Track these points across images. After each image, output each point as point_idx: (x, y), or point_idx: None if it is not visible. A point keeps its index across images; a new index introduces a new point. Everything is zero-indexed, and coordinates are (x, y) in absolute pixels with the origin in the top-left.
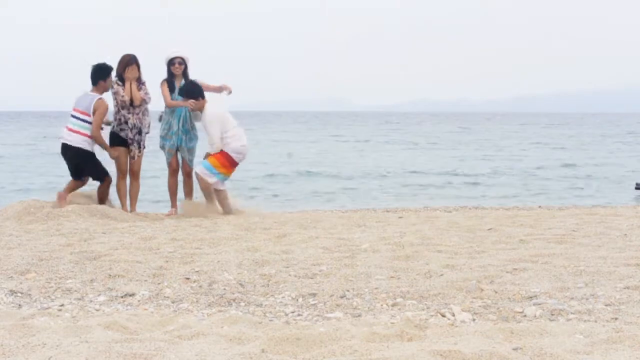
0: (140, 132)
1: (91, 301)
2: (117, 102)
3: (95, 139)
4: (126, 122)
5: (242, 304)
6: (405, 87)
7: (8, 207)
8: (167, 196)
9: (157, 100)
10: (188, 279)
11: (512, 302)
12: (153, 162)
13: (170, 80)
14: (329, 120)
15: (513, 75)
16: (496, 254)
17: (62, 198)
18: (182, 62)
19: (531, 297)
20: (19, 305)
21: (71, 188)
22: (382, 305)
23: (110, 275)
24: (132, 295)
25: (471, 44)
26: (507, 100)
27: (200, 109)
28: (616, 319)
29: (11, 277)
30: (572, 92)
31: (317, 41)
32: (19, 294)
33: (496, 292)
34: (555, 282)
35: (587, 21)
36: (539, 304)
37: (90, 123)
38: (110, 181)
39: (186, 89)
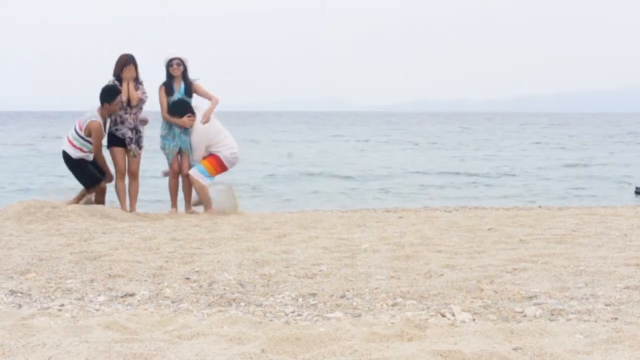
0: (137, 131)
1: (91, 301)
2: None
3: (98, 160)
4: (122, 122)
5: (242, 304)
6: (405, 87)
7: (8, 207)
8: (168, 196)
9: (155, 100)
10: (188, 279)
11: (512, 302)
12: (153, 162)
13: (168, 83)
14: (329, 120)
15: (513, 75)
16: (496, 254)
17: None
18: (181, 63)
19: (531, 297)
20: (19, 305)
21: (82, 195)
22: (382, 305)
23: (110, 275)
24: (132, 295)
25: (471, 44)
26: (507, 100)
27: (190, 125)
28: (616, 319)
29: (11, 277)
30: (572, 92)
31: (317, 41)
32: (19, 294)
33: (496, 292)
34: (555, 282)
35: (587, 21)
36: (539, 304)
37: (81, 137)
38: (101, 189)
39: (178, 107)
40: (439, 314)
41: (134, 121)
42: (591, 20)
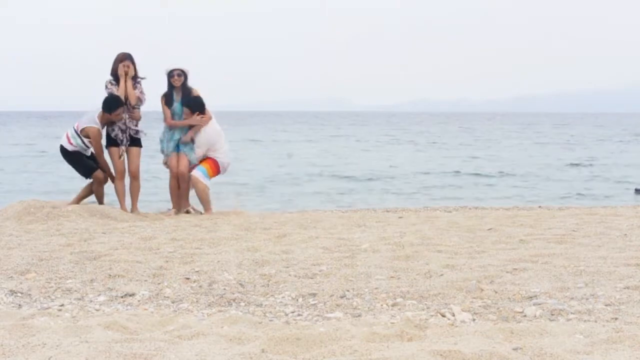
0: (135, 131)
1: (91, 301)
2: None
3: (100, 163)
4: (116, 122)
5: (242, 304)
6: (405, 87)
7: (8, 207)
8: (168, 196)
9: (153, 100)
10: (188, 279)
11: (512, 302)
12: (154, 163)
13: (169, 93)
14: (329, 120)
15: (513, 75)
16: (496, 254)
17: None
18: (181, 74)
19: (531, 297)
20: (19, 305)
21: (83, 195)
22: (382, 305)
23: (110, 275)
24: (132, 295)
25: (471, 44)
26: (507, 100)
27: (205, 123)
28: (616, 319)
29: (11, 277)
30: (572, 92)
31: (317, 41)
32: (19, 294)
33: (496, 292)
34: (555, 282)
35: (587, 21)
36: (539, 304)
37: (79, 136)
38: (99, 180)
39: (193, 102)
40: (439, 314)
41: (126, 122)
42: (591, 20)
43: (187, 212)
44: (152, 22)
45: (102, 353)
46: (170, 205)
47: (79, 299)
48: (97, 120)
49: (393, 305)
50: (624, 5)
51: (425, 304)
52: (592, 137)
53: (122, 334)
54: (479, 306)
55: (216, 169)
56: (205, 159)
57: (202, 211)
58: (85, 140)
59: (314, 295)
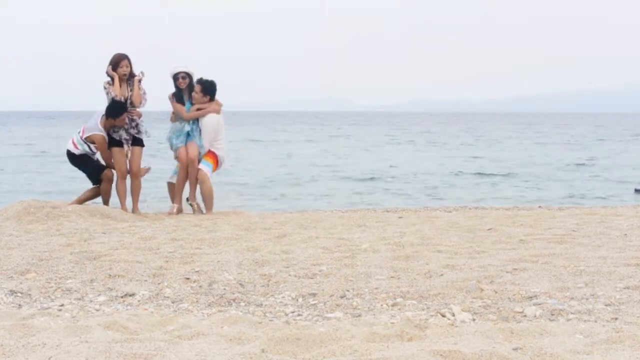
0: (135, 130)
1: (91, 301)
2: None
3: (109, 167)
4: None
5: (242, 304)
6: (405, 87)
7: (8, 207)
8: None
9: (156, 100)
10: (188, 279)
11: (512, 302)
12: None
13: (178, 95)
14: (329, 120)
15: (513, 75)
16: (496, 254)
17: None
18: (186, 76)
19: (531, 297)
20: (19, 305)
21: (87, 197)
22: (382, 305)
23: (110, 275)
24: (132, 295)
25: (471, 44)
26: (507, 100)
27: (217, 111)
28: (616, 319)
29: (11, 277)
30: (572, 92)
31: (317, 41)
32: (19, 294)
33: (496, 292)
34: (555, 282)
35: (587, 21)
36: (539, 304)
37: (85, 142)
38: (108, 178)
39: (208, 85)
40: (439, 314)
41: (129, 122)
42: (591, 20)
43: (192, 205)
44: (152, 22)
45: (102, 353)
46: (172, 204)
47: (79, 299)
48: (101, 127)
49: (393, 305)
50: (624, 5)
51: (425, 304)
52: (592, 137)
53: (122, 334)
54: (479, 306)
55: (216, 162)
56: (207, 152)
57: (204, 210)
58: (92, 145)
59: (314, 295)
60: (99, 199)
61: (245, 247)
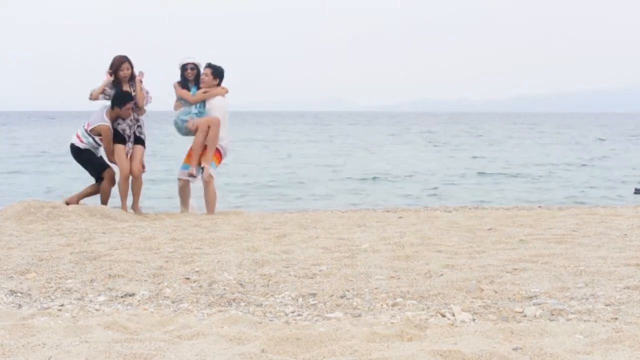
0: (138, 131)
1: (91, 301)
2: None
3: (110, 161)
4: (124, 119)
5: (242, 304)
6: (405, 87)
7: (8, 207)
8: (172, 196)
9: (155, 100)
10: (188, 279)
11: (512, 302)
12: (156, 164)
13: (184, 84)
14: (329, 120)
15: (513, 75)
16: (496, 254)
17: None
18: (195, 67)
19: (531, 297)
20: (19, 305)
21: (86, 193)
22: (382, 305)
23: (110, 275)
24: (132, 295)
25: (471, 44)
26: (507, 100)
27: (224, 93)
28: (616, 319)
29: (11, 277)
30: (572, 92)
31: (317, 41)
32: (19, 294)
33: (496, 292)
34: (555, 282)
35: (587, 21)
36: (539, 304)
37: (90, 135)
38: (110, 176)
39: (218, 68)
40: (439, 314)
41: (133, 121)
42: (591, 20)
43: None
44: (152, 22)
45: (102, 353)
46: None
47: (79, 299)
48: (106, 118)
49: (393, 305)
50: (624, 5)
51: (425, 304)
52: (592, 137)
53: (122, 334)
54: (479, 306)
55: (219, 155)
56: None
57: (204, 211)
58: (96, 138)
59: (314, 295)
60: (96, 198)
61: (245, 247)
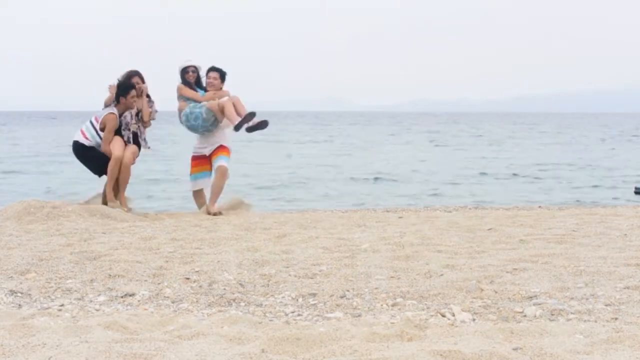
0: (138, 132)
1: (91, 301)
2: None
3: (105, 153)
4: (128, 129)
5: (242, 304)
6: (405, 87)
7: (8, 207)
8: (176, 199)
9: (164, 99)
10: (188, 279)
11: (512, 302)
12: (156, 164)
13: (187, 84)
14: (330, 120)
15: (513, 75)
16: (496, 254)
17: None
18: (195, 70)
19: (531, 297)
20: (19, 305)
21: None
22: (382, 305)
23: (110, 275)
24: (132, 295)
25: (471, 44)
26: (507, 100)
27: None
28: (616, 319)
29: (11, 277)
30: (572, 92)
31: (317, 41)
32: (19, 294)
33: (496, 292)
34: (555, 282)
35: (587, 21)
36: (539, 304)
37: (95, 129)
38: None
39: (222, 70)
40: (439, 314)
41: (139, 130)
42: (591, 20)
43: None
44: (152, 22)
45: (102, 353)
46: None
47: (79, 299)
48: (115, 111)
49: (393, 305)
50: (624, 5)
51: (425, 304)
52: (593, 137)
53: (122, 334)
54: (479, 306)
55: (229, 151)
56: (220, 147)
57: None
58: (100, 133)
59: (314, 295)
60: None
61: (245, 247)
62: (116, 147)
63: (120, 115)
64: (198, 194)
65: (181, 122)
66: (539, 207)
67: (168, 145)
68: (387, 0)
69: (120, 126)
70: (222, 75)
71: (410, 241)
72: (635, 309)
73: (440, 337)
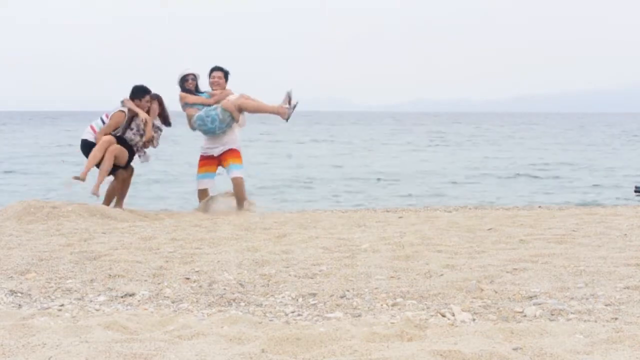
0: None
1: (91, 301)
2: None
3: (96, 140)
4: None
5: (242, 304)
6: (405, 87)
7: (8, 207)
8: (178, 199)
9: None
10: (188, 279)
11: (512, 302)
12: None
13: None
14: (330, 120)
15: (513, 75)
16: (496, 254)
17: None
18: (194, 78)
19: (531, 297)
20: (19, 305)
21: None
22: (382, 305)
23: (110, 275)
24: (132, 295)
25: (471, 44)
26: (507, 100)
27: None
28: (616, 319)
29: (11, 277)
30: (572, 92)
31: (317, 41)
32: (19, 294)
33: (496, 292)
34: (555, 282)
35: (587, 21)
36: (539, 304)
37: (103, 122)
38: (123, 178)
39: (228, 72)
40: (439, 314)
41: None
42: (591, 20)
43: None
44: (152, 22)
45: (102, 353)
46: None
47: (79, 299)
48: (126, 110)
49: (393, 305)
50: (624, 5)
51: (425, 304)
52: (593, 137)
53: (122, 334)
54: (479, 306)
55: (241, 158)
56: (231, 151)
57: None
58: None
59: (314, 295)
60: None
61: (245, 247)
62: (106, 136)
63: (132, 118)
64: (202, 193)
65: (194, 127)
66: (539, 207)
67: (169, 145)
68: (387, 0)
69: (128, 127)
70: (226, 74)
71: (410, 241)
72: (635, 309)
73: (440, 337)
